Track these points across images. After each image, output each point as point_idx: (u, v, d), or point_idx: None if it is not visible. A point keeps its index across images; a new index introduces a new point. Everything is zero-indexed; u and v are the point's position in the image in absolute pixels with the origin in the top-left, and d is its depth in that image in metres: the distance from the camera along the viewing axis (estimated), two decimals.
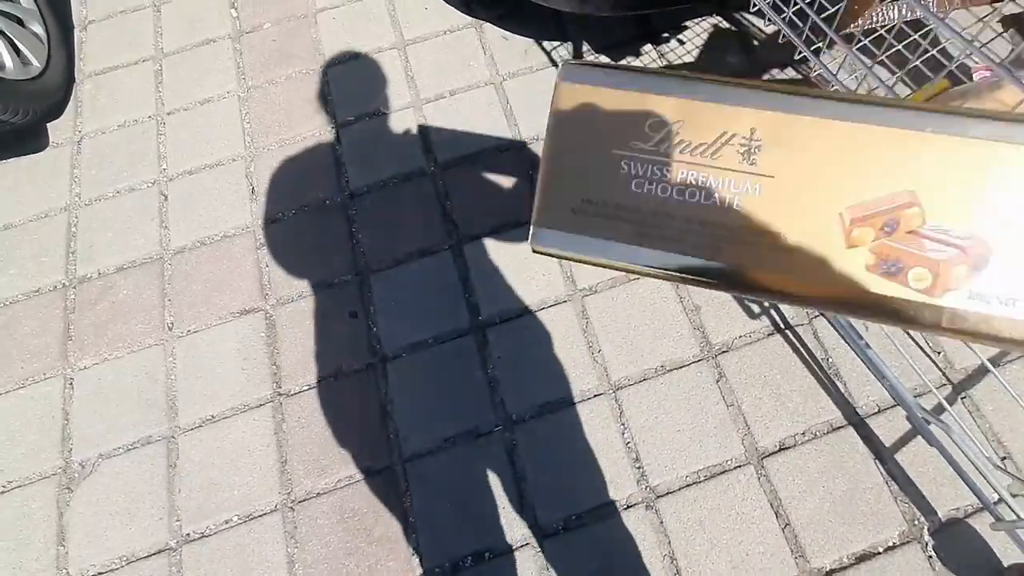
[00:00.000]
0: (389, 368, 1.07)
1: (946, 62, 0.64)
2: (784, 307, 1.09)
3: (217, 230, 1.22)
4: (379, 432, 1.02)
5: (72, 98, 1.40)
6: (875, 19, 0.69)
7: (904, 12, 0.66)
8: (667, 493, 0.96)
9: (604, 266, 0.27)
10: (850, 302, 0.24)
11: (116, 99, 1.39)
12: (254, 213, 1.23)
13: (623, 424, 1.01)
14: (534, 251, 0.28)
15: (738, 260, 0.25)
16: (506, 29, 1.40)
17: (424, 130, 1.30)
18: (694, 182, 0.26)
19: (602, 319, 1.09)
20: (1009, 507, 0.83)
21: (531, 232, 0.27)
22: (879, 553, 0.92)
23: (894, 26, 0.67)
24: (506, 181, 1.23)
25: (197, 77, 1.40)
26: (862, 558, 0.91)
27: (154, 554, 0.96)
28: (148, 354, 1.11)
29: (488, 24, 1.41)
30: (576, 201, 0.27)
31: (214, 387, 1.07)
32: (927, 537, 0.92)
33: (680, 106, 0.26)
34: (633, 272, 0.26)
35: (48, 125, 1.36)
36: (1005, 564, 0.89)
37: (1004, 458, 0.97)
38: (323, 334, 1.11)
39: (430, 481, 0.98)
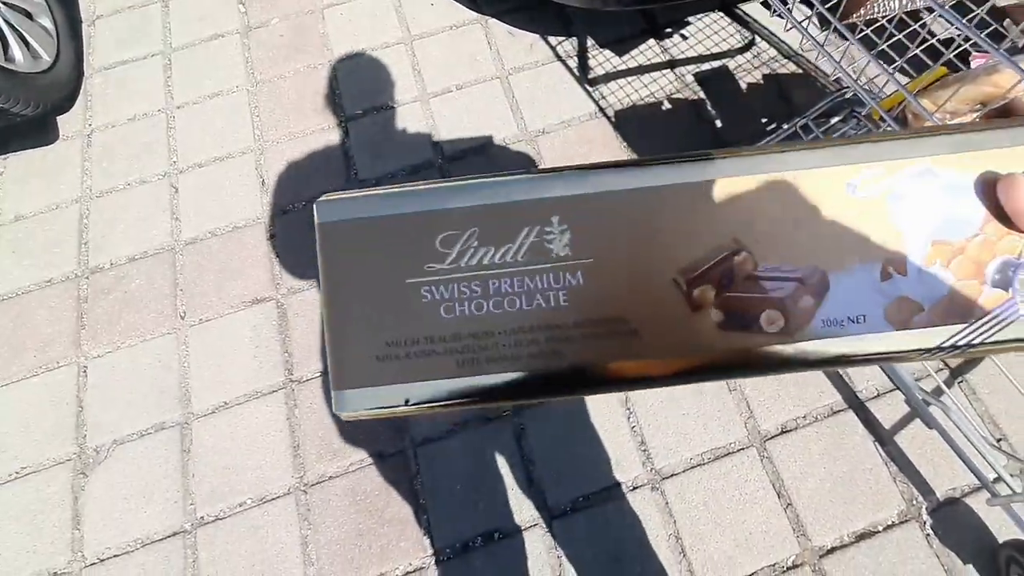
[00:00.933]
0: None
1: (943, 49, 0.67)
2: None
3: (228, 221, 1.23)
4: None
5: (82, 91, 1.41)
6: (877, 8, 0.71)
7: (905, 2, 0.68)
8: (672, 475, 0.99)
9: (433, 411, 0.23)
10: (714, 367, 0.23)
11: (126, 93, 1.41)
12: (264, 205, 1.25)
13: (629, 409, 1.03)
14: (344, 419, 0.24)
15: (584, 358, 0.23)
16: (512, 24, 1.43)
17: (431, 123, 1.32)
18: (509, 290, 0.23)
19: None
20: (1006, 484, 0.85)
21: (333, 398, 0.23)
22: (878, 532, 0.94)
23: (895, 16, 0.69)
24: None
25: (206, 72, 1.42)
26: (862, 536, 0.94)
27: (169, 536, 0.98)
28: (161, 343, 1.13)
29: (494, 19, 1.44)
30: (378, 347, 0.23)
31: (227, 374, 1.09)
32: (925, 516, 0.95)
33: (468, 215, 0.23)
34: (468, 409, 0.24)
35: (58, 118, 1.37)
36: (1000, 541, 0.92)
37: (1000, 439, 0.99)
38: None
39: (441, 465, 1.00)
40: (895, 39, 0.74)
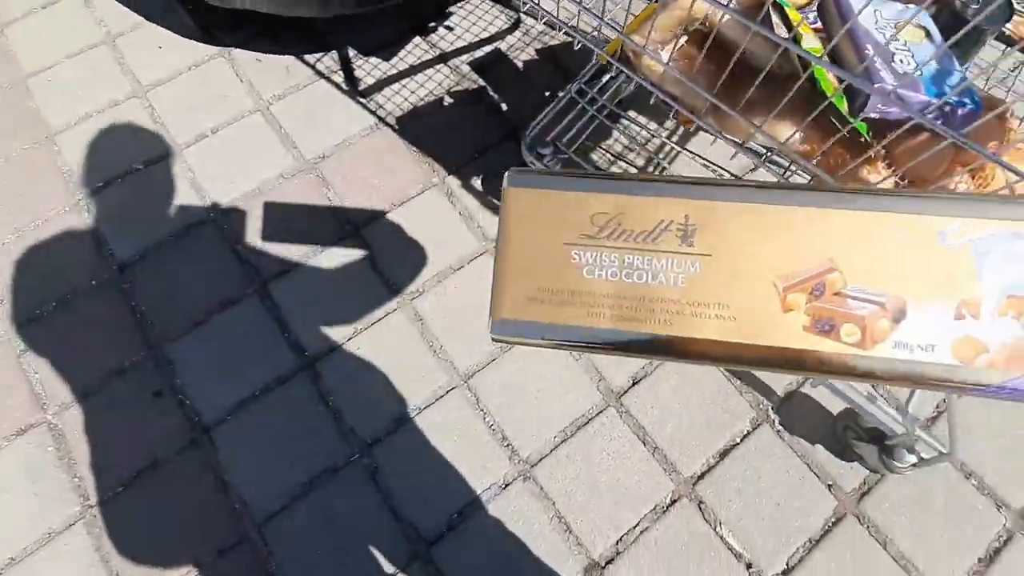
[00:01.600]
0: (215, 437, 1.04)
1: None
2: None
3: None
4: (222, 507, 0.99)
5: None
6: None
7: None
8: (540, 460, 1.05)
9: (564, 347, 0.32)
10: (793, 360, 0.30)
11: None
12: (5, 318, 1.13)
13: (482, 410, 1.08)
14: (493, 340, 0.33)
15: (688, 331, 0.30)
16: (259, 51, 1.44)
17: (191, 177, 1.28)
18: (640, 265, 0.31)
19: (437, 316, 1.16)
20: None
21: (490, 324, 0.32)
22: (737, 444, 1.08)
23: None
24: (299, 207, 1.26)
25: None
26: (724, 453, 1.07)
27: None
28: None
29: (237, 50, 1.43)
30: (532, 290, 0.32)
31: (8, 524, 0.96)
32: (772, 415, 1.11)
33: (619, 201, 0.32)
34: (591, 351, 0.32)
35: None
36: (835, 414, 1.10)
37: None
38: (127, 426, 1.04)
39: (294, 536, 0.97)
40: None
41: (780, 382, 1.13)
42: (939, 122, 0.57)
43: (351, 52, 1.46)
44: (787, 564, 1.00)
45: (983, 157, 0.51)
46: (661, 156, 1.37)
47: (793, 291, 0.30)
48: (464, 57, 1.48)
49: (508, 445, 1.06)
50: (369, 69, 1.45)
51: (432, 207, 1.29)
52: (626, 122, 1.37)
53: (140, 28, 1.49)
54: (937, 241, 0.30)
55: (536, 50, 1.50)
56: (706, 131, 0.87)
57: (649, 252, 0.31)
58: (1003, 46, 0.94)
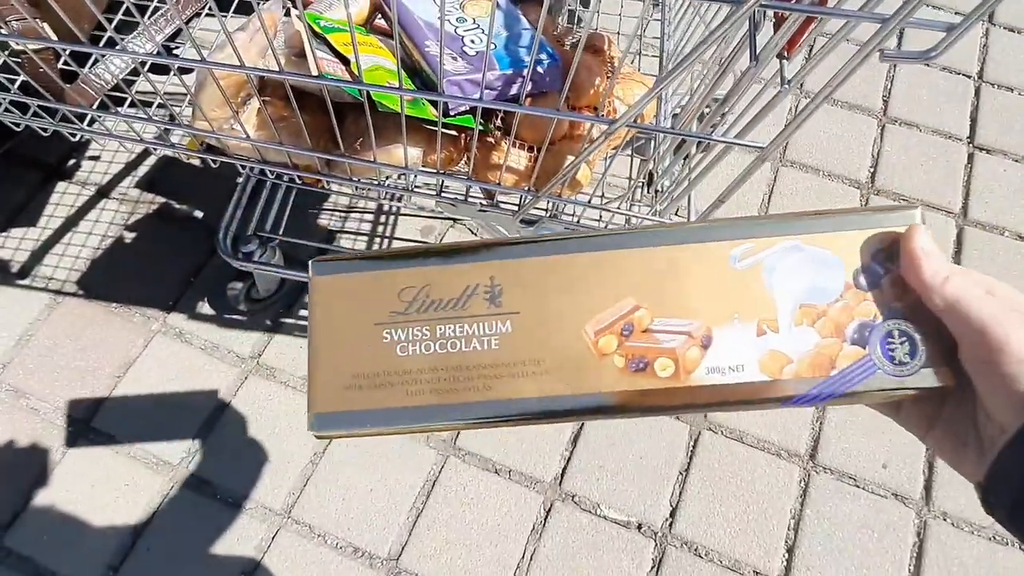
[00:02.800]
0: None
1: None
2: None
3: None
4: None
5: None
6: None
7: None
8: (402, 549, 1.12)
9: (391, 433, 0.36)
10: (617, 405, 0.35)
11: None
12: None
13: (319, 536, 1.13)
14: (317, 437, 0.37)
15: (508, 393, 0.35)
16: None
17: None
18: (452, 334, 0.36)
19: (222, 472, 1.18)
20: None
21: (309, 420, 0.36)
22: (581, 427, 1.25)
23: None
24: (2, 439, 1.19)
25: None
26: (575, 439, 1.24)
27: None
28: None
29: None
30: (347, 378, 0.36)
31: None
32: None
33: (425, 273, 0.37)
34: (418, 432, 0.38)
35: None
36: None
37: None
38: None
39: None
40: None
41: None
42: (529, 86, 0.74)
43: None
44: (671, 504, 1.18)
45: (546, 115, 0.70)
46: (386, 194, 1.51)
47: (603, 335, 0.36)
48: (127, 181, 1.49)
49: (363, 554, 1.12)
50: (15, 244, 1.40)
51: (166, 357, 1.29)
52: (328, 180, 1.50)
53: None
54: (729, 264, 0.36)
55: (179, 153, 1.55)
56: (350, 186, 0.97)
57: (460, 319, 0.36)
58: None
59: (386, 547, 1.13)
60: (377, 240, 1.45)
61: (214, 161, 0.92)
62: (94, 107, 0.89)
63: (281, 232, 1.28)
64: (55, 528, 1.13)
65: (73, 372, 1.27)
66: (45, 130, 0.91)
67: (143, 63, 0.85)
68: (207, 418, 1.23)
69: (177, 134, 0.89)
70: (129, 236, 1.43)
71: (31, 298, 1.33)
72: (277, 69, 0.67)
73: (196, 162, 1.52)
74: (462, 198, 0.92)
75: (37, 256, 1.39)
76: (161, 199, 1.48)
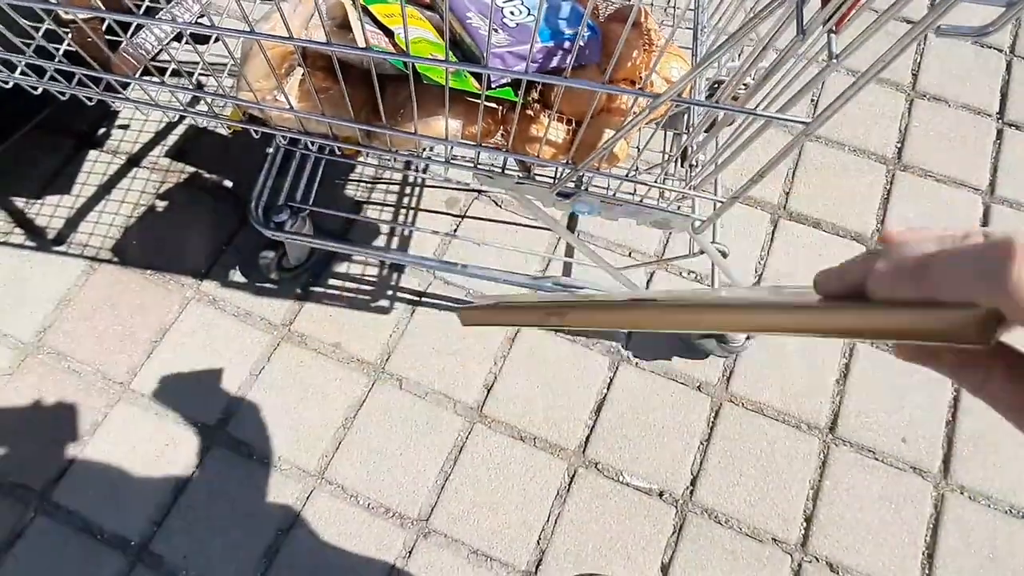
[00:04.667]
0: None
1: None
2: (404, 280, 1.37)
3: None
4: None
5: None
6: None
7: None
8: (431, 511, 1.16)
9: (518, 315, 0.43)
10: None
11: None
12: None
13: (352, 496, 1.16)
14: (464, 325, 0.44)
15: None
16: None
17: None
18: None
19: (257, 434, 1.21)
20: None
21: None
22: (606, 394, 1.27)
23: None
24: (44, 398, 1.24)
25: None
26: (599, 408, 1.26)
27: None
28: None
29: None
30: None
31: None
32: (625, 352, 1.31)
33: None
34: (542, 314, 0.40)
35: None
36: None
37: (630, 252, 1.41)
38: None
39: None
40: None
41: None
42: (568, 59, 0.74)
43: (18, 201, 1.43)
44: (692, 473, 1.21)
45: (592, 88, 0.70)
46: (413, 168, 1.52)
47: None
48: (157, 150, 1.51)
49: (394, 515, 1.15)
50: (50, 211, 1.42)
51: (200, 324, 1.32)
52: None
53: None
54: None
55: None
56: (380, 158, 0.99)
57: None
58: None
59: (416, 508, 1.16)
60: (403, 211, 1.46)
61: (256, 132, 0.93)
62: (137, 75, 0.90)
63: (311, 202, 1.29)
64: (100, 485, 1.17)
65: (112, 336, 1.30)
66: (90, 99, 0.92)
67: (182, 32, 0.85)
68: (242, 382, 1.26)
69: (219, 104, 0.89)
70: (161, 204, 1.44)
71: (68, 264, 1.36)
72: (325, 41, 0.67)
73: (224, 131, 1.53)
74: (499, 170, 0.92)
75: (72, 223, 1.41)
76: (192, 168, 1.49)
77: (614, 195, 0.95)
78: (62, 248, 1.38)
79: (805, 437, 1.24)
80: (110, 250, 1.38)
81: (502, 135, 0.86)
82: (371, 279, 1.38)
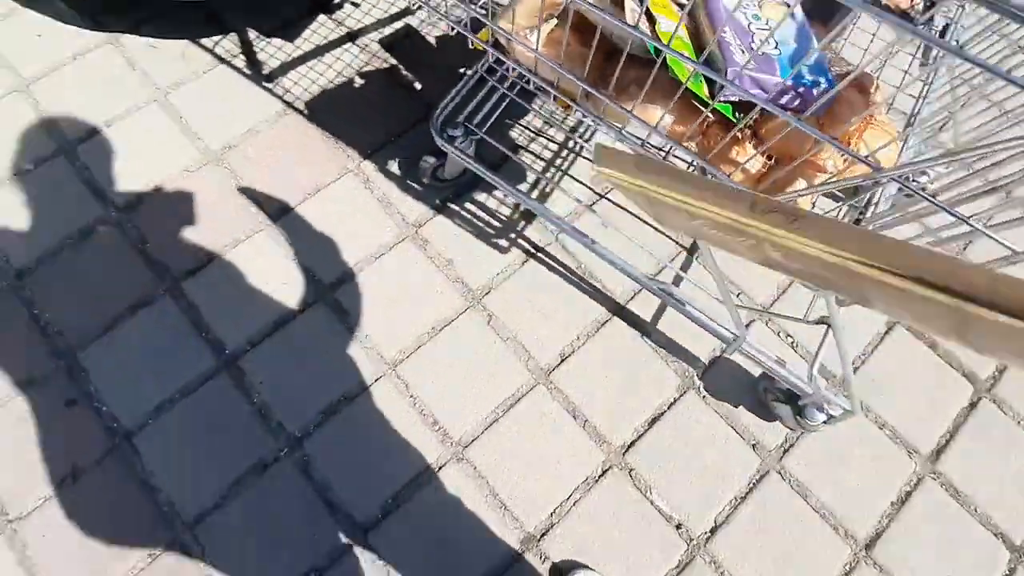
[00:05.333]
0: (137, 442, 1.13)
1: None
2: (529, 230, 1.39)
3: None
4: (149, 510, 1.09)
5: None
6: None
7: None
8: (472, 441, 1.19)
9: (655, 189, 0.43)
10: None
11: None
12: None
13: (411, 396, 1.22)
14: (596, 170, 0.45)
15: None
16: (151, 36, 1.50)
17: (87, 174, 1.35)
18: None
19: (359, 304, 1.28)
20: (733, 334, 1.20)
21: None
22: (665, 411, 1.25)
23: None
24: (208, 202, 1.35)
25: None
26: (653, 421, 1.24)
27: None
28: None
29: (127, 35, 1.50)
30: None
31: None
32: (698, 382, 1.28)
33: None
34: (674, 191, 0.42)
35: None
36: (756, 376, 1.29)
37: (739, 294, 1.37)
38: (41, 437, 1.12)
39: (227, 533, 1.08)
40: None
41: (705, 349, 1.31)
42: (797, 102, 0.72)
43: (252, 34, 1.55)
44: (715, 521, 1.18)
45: (819, 138, 0.67)
46: (578, 133, 1.52)
47: None
48: (373, 35, 1.58)
49: (439, 428, 1.20)
50: (272, 51, 1.54)
51: (349, 194, 1.40)
52: (542, 99, 1.52)
53: (12, 16, 1.53)
54: None
55: (449, 25, 1.61)
56: (584, 119, 0.99)
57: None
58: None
59: (460, 433, 1.20)
60: (552, 169, 1.47)
61: (499, 63, 0.96)
62: None
63: (483, 130, 1.33)
64: (222, 293, 1.28)
65: (277, 174, 1.40)
66: None
67: None
68: (361, 259, 1.34)
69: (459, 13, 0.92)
70: (359, 82, 1.53)
71: (269, 101, 1.47)
72: (599, 6, 0.68)
73: (432, 41, 1.59)
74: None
75: (285, 69, 1.52)
76: (394, 62, 1.56)
77: None
78: (269, 86, 1.49)
79: (839, 543, 1.17)
80: (305, 103, 1.48)
81: (698, 142, 0.85)
82: (502, 217, 1.41)
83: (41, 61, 1.46)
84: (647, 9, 0.76)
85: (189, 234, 1.32)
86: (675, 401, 1.27)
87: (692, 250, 1.42)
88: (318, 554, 1.09)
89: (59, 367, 1.18)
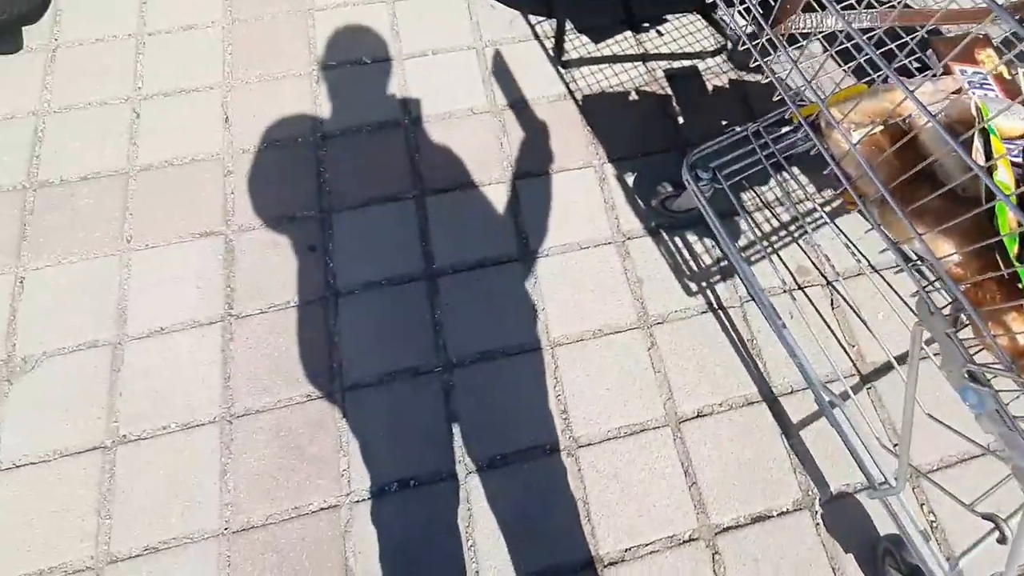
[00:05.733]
0: (340, 303, 1.11)
1: (870, 70, 0.72)
2: (720, 287, 1.17)
3: (186, 153, 1.23)
4: (324, 361, 1.06)
5: (52, 5, 1.38)
6: (805, 23, 0.76)
7: (828, 21, 0.73)
8: (588, 444, 1.03)
9: None
10: None
11: (97, 13, 1.39)
12: (225, 141, 1.25)
13: (556, 378, 1.08)
14: None
15: None
16: None
17: (402, 83, 1.33)
18: None
19: (550, 280, 1.16)
20: (889, 483, 0.92)
21: None
22: (772, 516, 1.00)
23: (825, 31, 0.74)
24: (474, 142, 1.28)
25: (184, 2, 1.41)
26: (757, 519, 1.00)
27: (88, 451, 0.98)
28: (104, 263, 1.12)
29: None
30: None
31: (166, 301, 1.09)
32: (817, 507, 1.01)
33: None
34: None
35: (24, 29, 1.35)
36: (881, 534, 0.99)
37: (896, 445, 1.06)
38: (280, 264, 1.14)
39: (367, 411, 1.03)
40: (842, 48, 0.79)
41: (838, 476, 1.03)
42: None
43: (568, 25, 1.44)
44: None
45: None
46: (808, 220, 1.25)
47: None
48: (663, 63, 1.41)
49: (566, 419, 1.05)
50: (577, 45, 1.42)
51: (583, 184, 1.26)
52: (786, 176, 1.27)
53: None
54: None
55: (729, 79, 1.40)
56: (865, 218, 0.78)
57: None
58: None
59: (582, 431, 1.04)
60: (766, 241, 1.23)
61: (808, 133, 0.77)
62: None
63: (727, 182, 1.12)
64: (452, 216, 1.22)
65: (535, 143, 1.29)
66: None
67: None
68: (568, 242, 1.19)
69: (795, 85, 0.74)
70: (634, 97, 1.35)
71: (557, 83, 1.35)
72: (952, 134, 0.47)
73: (709, 87, 1.38)
74: (932, 309, 0.67)
75: (580, 61, 1.38)
76: (670, 92, 1.37)
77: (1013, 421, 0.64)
78: (562, 71, 1.37)
79: None
80: (583, 96, 1.34)
81: (967, 288, 0.60)
82: (702, 263, 1.20)
83: None
84: (987, 149, 0.54)
85: (450, 160, 1.26)
86: (786, 512, 1.01)
87: (867, 379, 1.12)
88: (425, 468, 1.00)
89: (316, 217, 1.19)
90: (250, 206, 1.19)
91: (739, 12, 0.81)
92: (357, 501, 0.98)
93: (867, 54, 0.74)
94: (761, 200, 1.26)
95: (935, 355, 0.85)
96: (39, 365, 1.04)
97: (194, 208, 1.18)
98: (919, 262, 0.89)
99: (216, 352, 1.06)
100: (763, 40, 0.82)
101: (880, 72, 0.84)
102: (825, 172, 0.84)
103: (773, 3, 0.81)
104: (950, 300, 0.76)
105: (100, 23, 1.37)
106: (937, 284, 0.94)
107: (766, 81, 1.38)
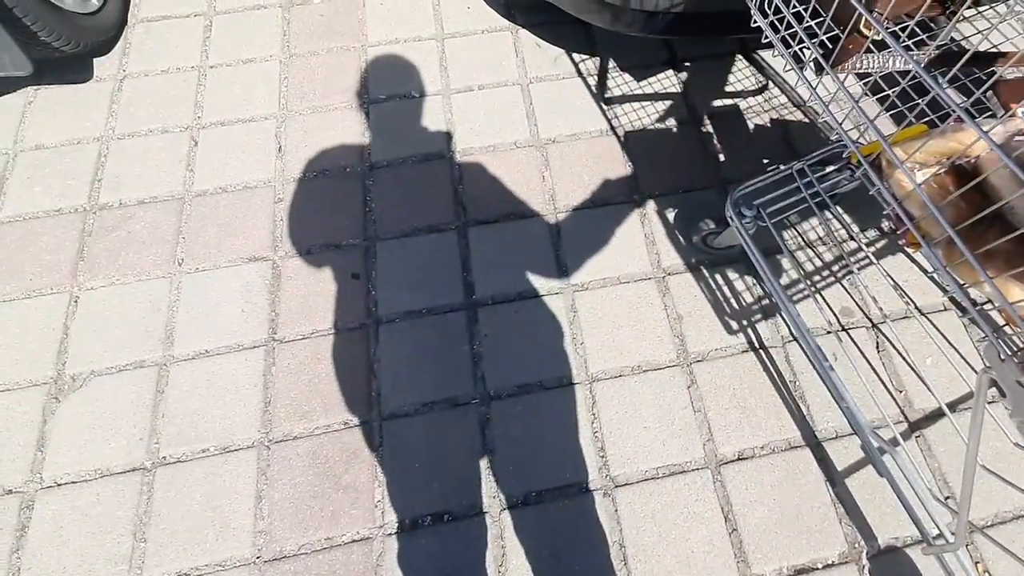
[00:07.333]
0: (382, 330, 1.07)
1: (929, 111, 0.66)
2: (761, 325, 1.10)
3: (240, 180, 1.22)
4: (363, 389, 1.02)
5: (122, 39, 1.40)
6: (866, 63, 0.71)
7: (891, 61, 0.68)
8: (626, 484, 0.96)
9: None
10: None
11: (164, 46, 1.40)
12: (277, 169, 1.24)
13: (594, 414, 1.01)
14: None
15: None
16: (541, 37, 1.43)
17: (449, 117, 1.31)
18: None
19: (589, 314, 1.10)
20: (944, 538, 0.83)
21: None
22: (817, 569, 0.91)
23: (884, 71, 0.69)
24: (517, 176, 1.24)
25: (243, 38, 1.42)
26: (800, 571, 0.91)
27: (128, 471, 0.95)
28: (155, 284, 1.10)
29: (524, 30, 1.43)
30: None
31: (213, 324, 1.07)
32: (865, 560, 0.92)
33: None
34: None
35: (95, 60, 1.36)
36: None
37: (948, 497, 0.97)
38: (324, 290, 1.11)
39: (403, 441, 0.98)
40: (899, 89, 0.73)
41: (888, 529, 0.94)
42: None
43: (611, 63, 1.41)
44: None
45: None
46: (853, 260, 1.18)
47: None
48: (704, 101, 1.36)
49: (603, 456, 0.98)
50: (620, 83, 1.39)
51: (624, 219, 1.21)
52: (830, 216, 1.20)
53: None
54: None
55: (771, 119, 1.34)
56: (930, 260, 0.71)
57: None
58: None
59: (619, 470, 0.97)
60: (810, 280, 1.15)
61: (866, 172, 0.71)
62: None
63: (771, 219, 1.06)
64: (494, 248, 1.17)
65: (577, 176, 1.25)
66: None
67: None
68: (609, 276, 1.14)
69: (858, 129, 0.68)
70: (674, 133, 1.32)
71: (599, 119, 1.31)
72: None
73: (751, 126, 1.33)
74: (1003, 355, 0.60)
75: (622, 99, 1.35)
76: (711, 130, 1.32)
77: None
78: (605, 108, 1.33)
79: None
80: (625, 132, 1.30)
81: None
82: (743, 301, 1.13)
83: (460, 25, 1.45)
84: None
85: (493, 192, 1.23)
86: (832, 566, 0.92)
87: (916, 426, 1.03)
88: (459, 502, 0.94)
89: (360, 245, 1.16)
90: (298, 233, 1.17)
91: (797, 52, 0.76)
92: (390, 534, 0.92)
93: (931, 94, 0.69)
94: (804, 239, 1.19)
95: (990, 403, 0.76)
96: (87, 384, 1.02)
97: (244, 233, 1.16)
98: (983, 306, 0.82)
99: (258, 376, 1.02)
100: (821, 80, 0.77)
101: (939, 112, 0.78)
102: (885, 212, 0.77)
103: (831, 45, 0.76)
104: (1021, 347, 0.68)
105: (165, 56, 1.39)
106: (1008, 330, 0.86)
107: (822, 121, 1.33)
